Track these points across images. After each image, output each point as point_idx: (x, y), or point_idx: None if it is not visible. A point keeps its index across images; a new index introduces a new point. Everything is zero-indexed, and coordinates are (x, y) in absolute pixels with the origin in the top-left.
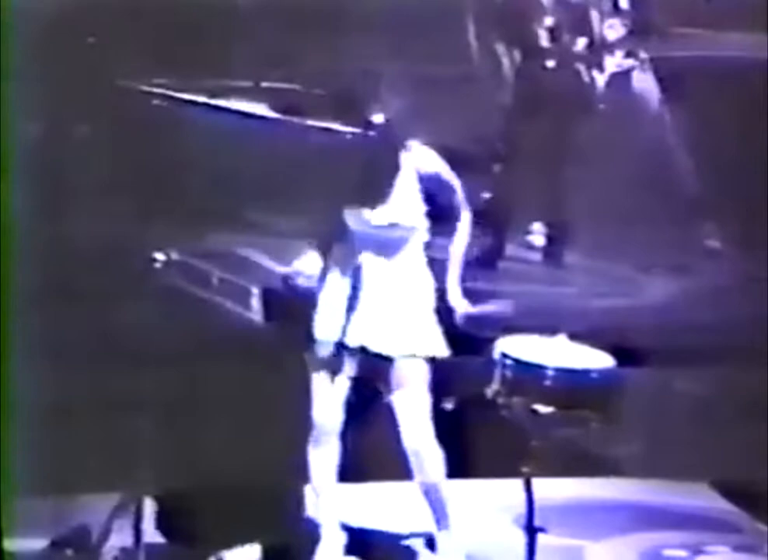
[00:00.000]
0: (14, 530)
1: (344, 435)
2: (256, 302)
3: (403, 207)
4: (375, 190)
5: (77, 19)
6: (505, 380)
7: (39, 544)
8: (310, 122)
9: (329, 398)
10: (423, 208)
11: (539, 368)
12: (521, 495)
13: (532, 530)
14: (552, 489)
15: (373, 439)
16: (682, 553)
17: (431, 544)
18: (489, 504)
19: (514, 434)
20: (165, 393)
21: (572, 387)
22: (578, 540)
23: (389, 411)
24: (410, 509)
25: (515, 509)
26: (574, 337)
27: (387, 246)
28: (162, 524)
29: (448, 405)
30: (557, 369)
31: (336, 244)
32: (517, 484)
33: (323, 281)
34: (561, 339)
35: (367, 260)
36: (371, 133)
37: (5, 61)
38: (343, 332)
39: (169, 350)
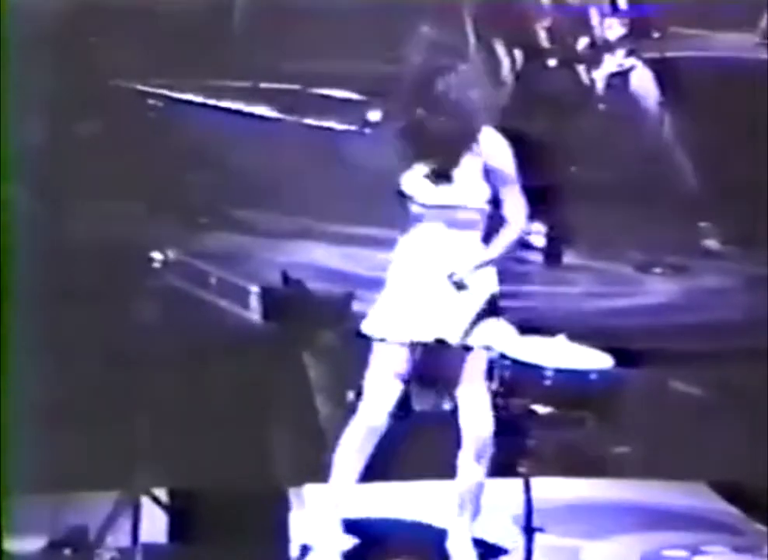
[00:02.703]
0: (12, 529)
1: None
2: (254, 302)
3: (468, 189)
4: (442, 166)
5: (75, 19)
6: (504, 381)
7: (37, 543)
8: (309, 121)
9: (382, 398)
10: (487, 193)
11: (538, 368)
12: (520, 495)
13: (530, 530)
14: (551, 489)
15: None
16: (681, 553)
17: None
18: (488, 504)
19: (512, 434)
20: (163, 393)
21: (571, 388)
22: (577, 541)
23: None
24: (429, 506)
25: (514, 509)
26: (573, 337)
27: (450, 229)
28: (161, 524)
29: (447, 405)
30: (556, 370)
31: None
32: (516, 484)
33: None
34: (560, 339)
35: (429, 247)
36: (368, 130)
37: (4, 62)
38: (403, 327)
39: (168, 350)
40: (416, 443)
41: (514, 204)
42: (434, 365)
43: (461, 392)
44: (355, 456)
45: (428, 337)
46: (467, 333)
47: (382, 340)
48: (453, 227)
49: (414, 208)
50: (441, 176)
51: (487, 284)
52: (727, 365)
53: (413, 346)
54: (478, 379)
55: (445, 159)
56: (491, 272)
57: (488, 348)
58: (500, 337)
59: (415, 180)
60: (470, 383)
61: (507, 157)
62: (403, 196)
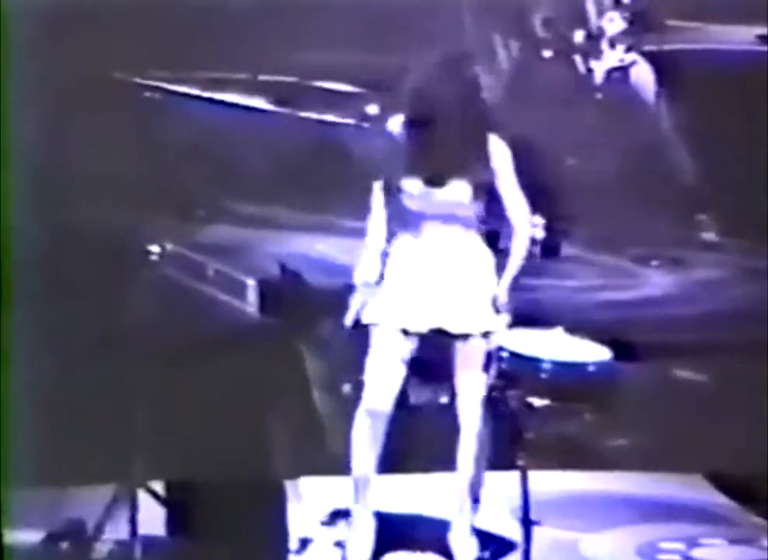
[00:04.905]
0: (10, 522)
1: (394, 422)
2: (252, 294)
3: (463, 187)
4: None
5: (75, 12)
6: (501, 373)
7: (35, 536)
8: (307, 114)
9: (386, 382)
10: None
11: (536, 361)
12: (517, 488)
13: (528, 523)
14: (548, 482)
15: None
16: (678, 545)
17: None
18: (485, 496)
19: (509, 427)
20: (160, 386)
21: (568, 380)
22: (574, 533)
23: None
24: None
25: (511, 501)
26: (571, 330)
27: (447, 223)
28: (158, 517)
29: (444, 398)
30: (554, 362)
31: (396, 230)
32: (513, 476)
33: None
34: (558, 332)
35: (427, 240)
36: (366, 124)
37: (4, 56)
38: (405, 315)
39: (165, 342)
40: (416, 437)
41: (519, 213)
42: (431, 357)
43: (459, 382)
44: (368, 445)
45: (427, 327)
46: (466, 321)
47: (383, 326)
48: (449, 223)
49: (411, 204)
50: (437, 182)
51: (486, 276)
52: (725, 357)
53: (412, 336)
54: (475, 369)
55: (449, 164)
56: (489, 265)
57: (486, 336)
58: (498, 325)
59: (412, 181)
60: (469, 372)
61: (510, 165)
62: (399, 192)
